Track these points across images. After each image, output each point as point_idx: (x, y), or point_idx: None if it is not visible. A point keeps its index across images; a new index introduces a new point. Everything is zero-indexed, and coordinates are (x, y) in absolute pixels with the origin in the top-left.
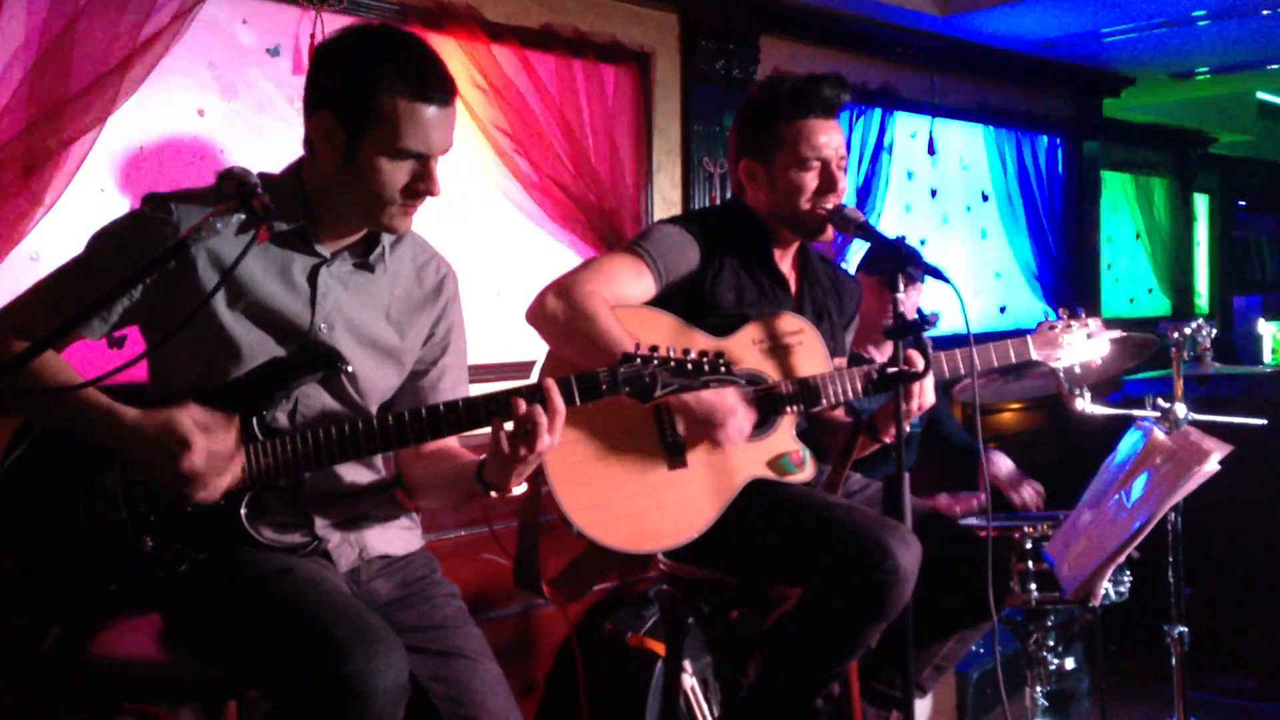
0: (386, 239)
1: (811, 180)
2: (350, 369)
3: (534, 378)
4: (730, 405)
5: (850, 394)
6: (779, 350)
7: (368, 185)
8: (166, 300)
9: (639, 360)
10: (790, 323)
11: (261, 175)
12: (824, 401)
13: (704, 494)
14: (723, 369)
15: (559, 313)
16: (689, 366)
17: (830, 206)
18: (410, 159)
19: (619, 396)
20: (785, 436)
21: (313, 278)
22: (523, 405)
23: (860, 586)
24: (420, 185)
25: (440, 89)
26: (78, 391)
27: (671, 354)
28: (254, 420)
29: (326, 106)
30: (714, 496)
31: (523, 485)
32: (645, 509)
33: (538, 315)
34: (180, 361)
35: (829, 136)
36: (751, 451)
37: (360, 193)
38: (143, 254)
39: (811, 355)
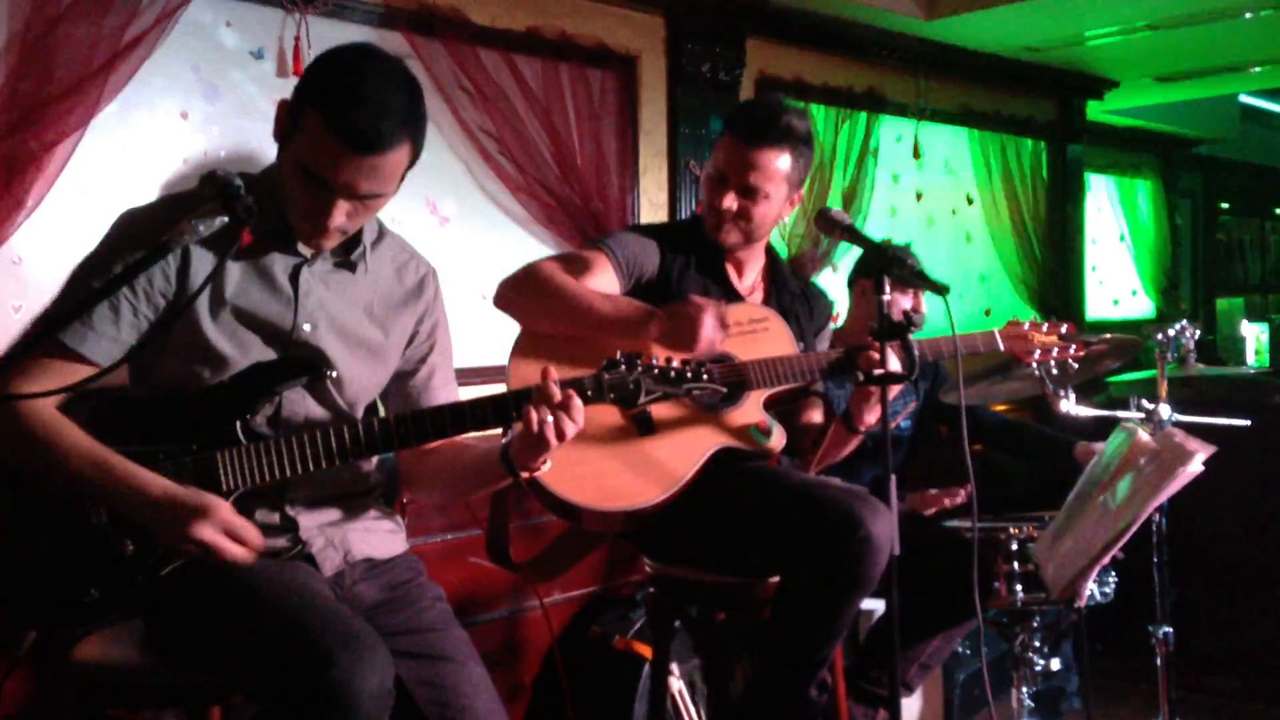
0: (367, 238)
1: (710, 195)
2: (335, 374)
3: (507, 363)
4: (701, 305)
5: (814, 374)
6: (745, 335)
7: (283, 184)
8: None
9: (623, 366)
10: (756, 311)
11: (243, 176)
12: (789, 381)
13: (672, 458)
14: (705, 377)
15: (524, 285)
16: (672, 375)
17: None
18: (314, 182)
19: (602, 402)
20: (753, 409)
21: (294, 277)
22: (556, 391)
23: (834, 557)
24: (314, 210)
25: (364, 133)
26: (89, 451)
27: (656, 361)
28: (236, 424)
29: (290, 95)
30: (681, 460)
31: (549, 464)
32: (614, 469)
33: (504, 297)
34: (164, 365)
35: (737, 158)
36: (719, 422)
37: (280, 191)
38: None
39: (777, 339)
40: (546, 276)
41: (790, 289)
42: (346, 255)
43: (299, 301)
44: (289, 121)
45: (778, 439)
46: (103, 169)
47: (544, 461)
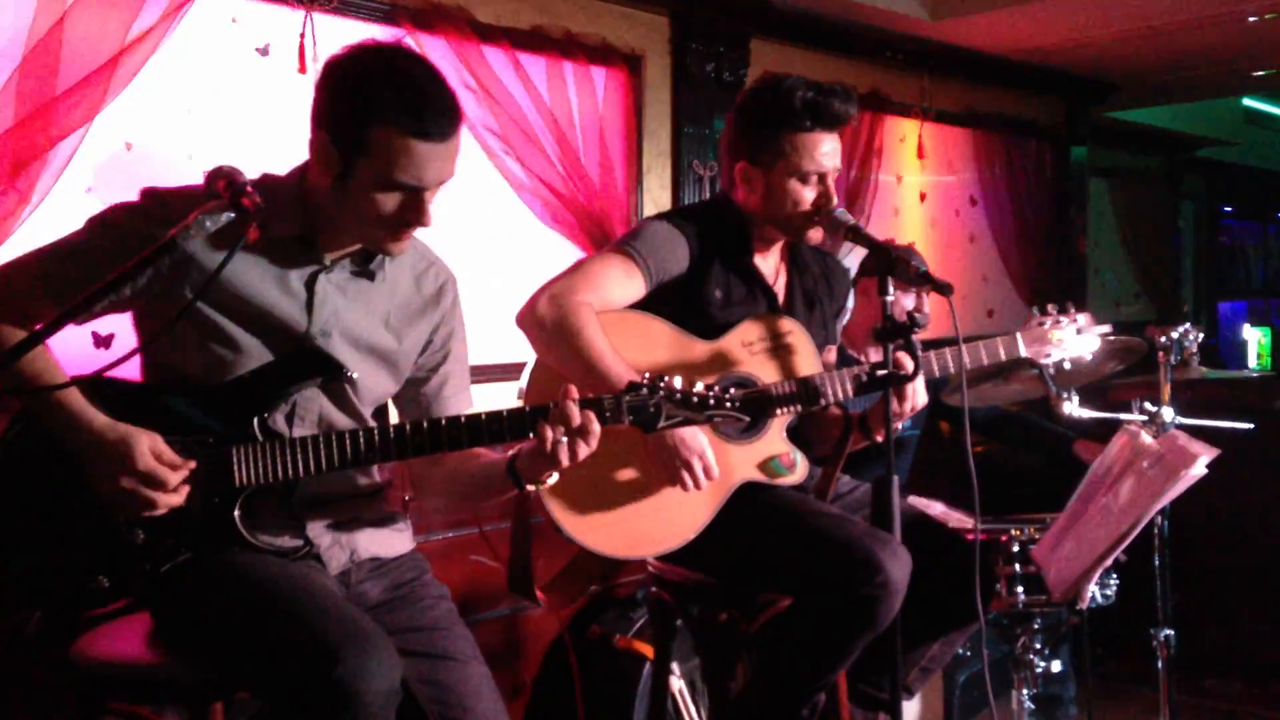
0: None
1: (809, 193)
2: (355, 375)
3: (523, 381)
4: (697, 448)
5: (840, 395)
6: (769, 352)
7: (358, 211)
8: (160, 296)
9: (645, 390)
10: (780, 324)
11: (267, 176)
12: (821, 401)
13: (696, 499)
14: (728, 404)
15: (548, 321)
16: (694, 400)
17: (824, 210)
18: (402, 190)
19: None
20: (775, 439)
21: (310, 284)
22: (575, 414)
23: (850, 600)
24: (409, 216)
25: (439, 124)
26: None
27: (678, 385)
28: (254, 420)
29: (324, 128)
30: (706, 501)
31: (555, 476)
32: (636, 515)
33: (528, 320)
34: (180, 358)
35: (831, 150)
36: (742, 454)
37: (351, 216)
38: (138, 249)
39: (802, 355)
40: (579, 330)
41: (811, 271)
42: (365, 264)
43: (314, 309)
44: (344, 153)
45: (800, 474)
46: (108, 165)
47: (550, 475)
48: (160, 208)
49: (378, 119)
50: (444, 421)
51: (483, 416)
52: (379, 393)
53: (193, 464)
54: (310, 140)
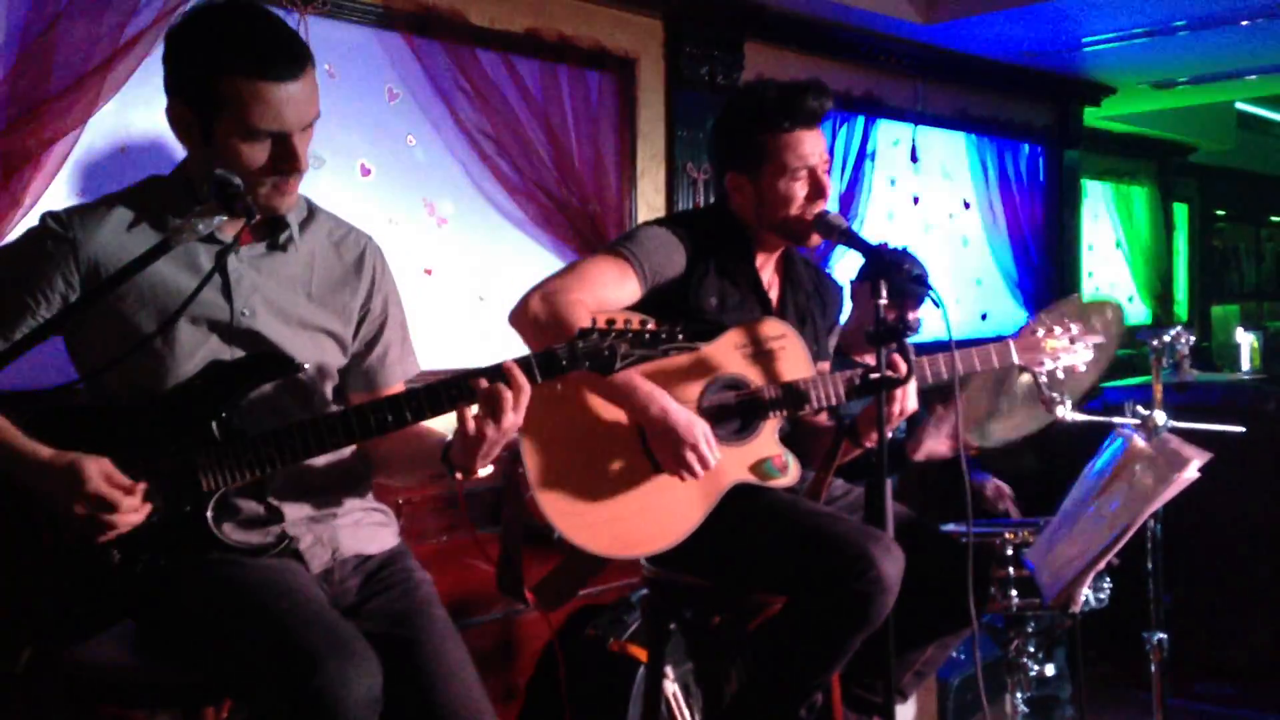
0: (294, 219)
1: (800, 189)
2: (309, 367)
3: None
4: (694, 437)
5: (833, 399)
6: (762, 355)
7: (230, 169)
8: (87, 314)
9: (596, 334)
10: (773, 328)
11: (152, 178)
12: (808, 406)
13: (687, 499)
14: (679, 336)
15: (541, 318)
16: (646, 336)
17: (817, 212)
18: (266, 138)
19: (581, 371)
20: (768, 441)
21: (222, 266)
22: (484, 383)
23: (844, 596)
24: (282, 164)
25: (284, 64)
26: None
27: (629, 325)
28: (212, 424)
29: (177, 94)
30: (697, 501)
31: (489, 468)
32: (628, 514)
33: (520, 318)
34: (114, 371)
35: (814, 145)
36: (734, 456)
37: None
38: (39, 272)
39: (794, 360)
40: (573, 326)
41: (804, 286)
42: (274, 237)
43: (231, 289)
44: (201, 113)
45: (793, 476)
46: (101, 168)
47: (483, 464)
48: (58, 224)
49: (223, 70)
50: (402, 396)
51: (439, 385)
52: (326, 364)
53: (144, 485)
54: (167, 112)
